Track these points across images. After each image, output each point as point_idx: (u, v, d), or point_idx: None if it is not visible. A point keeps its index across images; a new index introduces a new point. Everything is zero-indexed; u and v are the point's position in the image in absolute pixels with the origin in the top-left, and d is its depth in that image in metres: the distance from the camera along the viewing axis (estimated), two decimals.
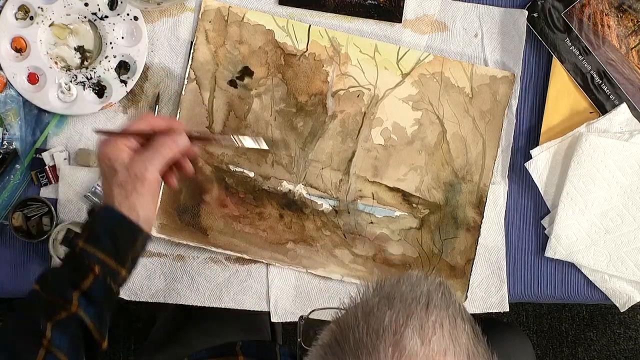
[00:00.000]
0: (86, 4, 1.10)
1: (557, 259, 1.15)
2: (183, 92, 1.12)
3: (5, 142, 1.10)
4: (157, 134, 0.91)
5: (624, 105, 1.13)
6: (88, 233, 0.89)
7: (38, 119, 1.11)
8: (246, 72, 1.12)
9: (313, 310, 0.87)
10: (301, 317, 0.87)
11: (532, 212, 1.16)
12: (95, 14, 1.10)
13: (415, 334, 0.62)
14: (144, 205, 0.90)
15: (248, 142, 0.96)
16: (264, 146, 0.97)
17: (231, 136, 0.96)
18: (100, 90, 1.11)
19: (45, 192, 1.11)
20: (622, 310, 1.16)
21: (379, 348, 0.62)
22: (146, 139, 0.92)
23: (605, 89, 1.13)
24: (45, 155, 1.11)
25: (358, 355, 0.62)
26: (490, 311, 1.15)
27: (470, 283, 1.14)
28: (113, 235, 0.88)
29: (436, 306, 0.65)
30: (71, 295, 0.86)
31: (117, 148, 0.90)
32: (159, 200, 1.11)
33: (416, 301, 0.65)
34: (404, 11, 1.13)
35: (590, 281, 1.15)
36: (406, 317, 0.64)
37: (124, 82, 1.11)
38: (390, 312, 0.64)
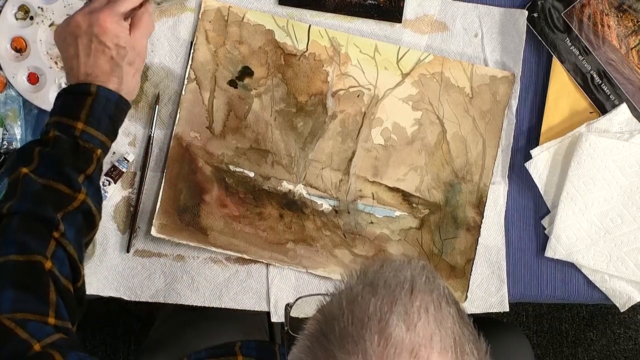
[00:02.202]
0: None
1: (557, 259, 1.15)
2: (183, 92, 1.12)
3: (5, 142, 1.10)
4: None
5: (624, 105, 1.13)
6: (87, 114, 0.89)
7: (38, 119, 1.11)
8: (246, 72, 1.12)
9: (299, 298, 0.86)
10: (287, 304, 0.86)
11: (532, 212, 1.16)
12: None
13: (400, 321, 0.62)
14: (139, 79, 0.98)
15: None
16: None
17: None
18: None
19: None
20: (622, 310, 1.16)
21: (365, 337, 0.62)
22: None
23: (605, 89, 1.13)
24: None
25: (344, 345, 0.62)
26: (490, 311, 1.15)
27: (470, 283, 1.14)
28: (112, 117, 0.91)
29: (420, 290, 0.65)
30: (79, 183, 0.86)
31: (123, 25, 0.93)
32: (159, 200, 1.11)
33: (400, 286, 0.65)
34: (404, 11, 1.13)
35: (590, 281, 1.15)
36: (390, 304, 0.63)
37: None
38: (374, 300, 0.64)
